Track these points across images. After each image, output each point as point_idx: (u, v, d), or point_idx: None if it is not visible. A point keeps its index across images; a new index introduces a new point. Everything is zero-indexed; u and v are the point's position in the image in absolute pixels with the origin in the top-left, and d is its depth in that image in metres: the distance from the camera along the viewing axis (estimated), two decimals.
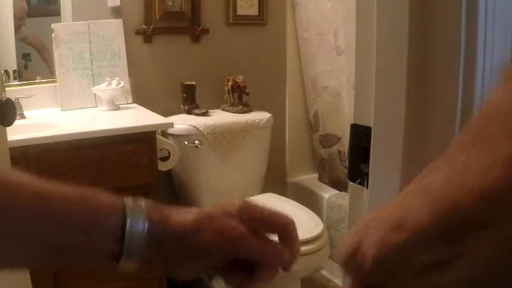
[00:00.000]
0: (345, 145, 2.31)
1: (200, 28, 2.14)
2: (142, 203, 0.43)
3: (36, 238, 0.39)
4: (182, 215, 0.43)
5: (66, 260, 0.44)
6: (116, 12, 1.99)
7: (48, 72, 1.96)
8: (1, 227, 0.38)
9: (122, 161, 1.58)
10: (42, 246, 0.40)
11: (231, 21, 2.22)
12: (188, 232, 0.42)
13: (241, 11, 2.23)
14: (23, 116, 1.76)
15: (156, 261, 0.42)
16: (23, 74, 1.94)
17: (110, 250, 0.40)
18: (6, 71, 1.86)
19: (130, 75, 2.02)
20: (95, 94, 1.92)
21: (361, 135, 0.50)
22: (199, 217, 0.43)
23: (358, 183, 0.53)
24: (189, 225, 0.42)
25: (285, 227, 0.45)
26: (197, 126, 1.93)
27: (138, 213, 0.41)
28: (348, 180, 0.54)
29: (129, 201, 0.42)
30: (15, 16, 1.89)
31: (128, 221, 0.40)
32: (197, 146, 1.94)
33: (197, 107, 2.08)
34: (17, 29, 1.91)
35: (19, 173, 0.41)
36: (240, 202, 0.45)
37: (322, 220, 1.84)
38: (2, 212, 0.38)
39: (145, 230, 0.40)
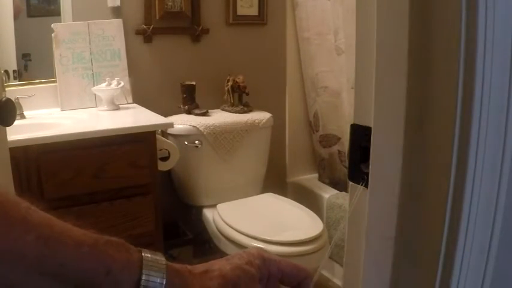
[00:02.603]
0: (345, 145, 2.31)
1: (200, 28, 2.14)
2: (163, 259, 0.39)
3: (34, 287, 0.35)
4: (205, 283, 0.40)
5: None
6: (116, 12, 1.99)
7: (49, 71, 1.96)
8: None
9: (121, 161, 1.58)
10: None
11: (231, 21, 2.22)
12: None
13: (241, 11, 2.23)
14: (23, 116, 1.76)
15: None
16: (23, 74, 1.94)
17: None
18: (6, 71, 1.86)
19: (130, 75, 2.02)
20: (95, 94, 1.92)
21: (361, 135, 0.50)
22: (223, 286, 0.40)
23: (358, 183, 0.53)
24: None
25: (301, 282, 0.45)
26: (197, 126, 1.93)
27: (157, 272, 0.38)
28: (348, 180, 0.54)
29: (147, 254, 0.39)
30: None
31: (143, 277, 0.37)
32: (197, 146, 1.94)
33: (197, 107, 2.08)
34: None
35: (26, 206, 0.36)
36: (259, 259, 0.43)
37: (322, 220, 1.84)
38: None
39: None
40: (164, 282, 0.38)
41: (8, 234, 0.34)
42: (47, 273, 0.35)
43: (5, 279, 0.34)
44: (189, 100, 2.07)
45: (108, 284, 0.36)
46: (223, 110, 2.14)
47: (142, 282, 0.37)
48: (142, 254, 0.39)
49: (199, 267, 0.42)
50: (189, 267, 0.41)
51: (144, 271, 0.38)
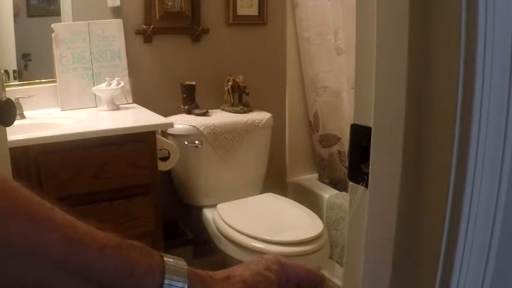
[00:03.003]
0: (345, 145, 2.31)
1: (200, 28, 2.14)
2: (184, 264, 0.40)
3: (57, 286, 0.35)
4: None
5: None
6: (116, 12, 1.99)
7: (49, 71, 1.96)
8: (18, 272, 0.34)
9: (121, 161, 1.58)
10: None
11: (231, 21, 2.22)
12: None
13: (241, 11, 2.23)
14: (23, 116, 1.76)
15: None
16: (23, 74, 1.94)
17: None
18: (6, 71, 1.86)
19: (130, 75, 2.02)
20: (95, 94, 1.92)
21: (361, 135, 0.50)
22: None
23: (358, 183, 0.53)
24: None
25: (316, 286, 0.45)
26: (197, 126, 1.93)
27: (179, 276, 0.38)
28: (348, 180, 0.54)
29: (169, 259, 0.40)
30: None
31: (166, 281, 0.38)
32: (197, 146, 1.94)
33: (197, 107, 2.08)
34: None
35: (51, 207, 0.37)
36: (277, 265, 0.43)
37: (322, 220, 1.84)
38: (23, 254, 0.34)
39: None
40: (186, 287, 0.38)
41: (34, 233, 0.34)
42: (72, 273, 0.36)
43: (32, 277, 0.35)
44: (189, 100, 2.07)
45: (132, 285, 0.37)
46: (223, 110, 2.14)
47: (165, 287, 0.38)
48: (165, 259, 0.39)
49: (220, 273, 0.42)
50: (210, 272, 0.42)
51: (166, 275, 0.38)
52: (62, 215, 0.37)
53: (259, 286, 0.41)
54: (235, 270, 0.43)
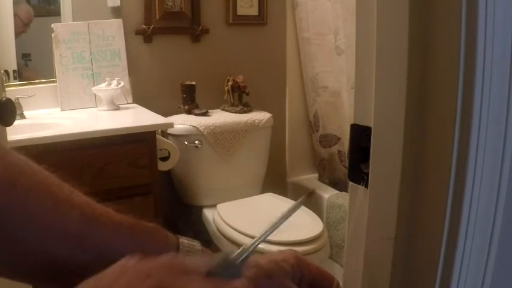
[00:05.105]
0: (345, 145, 2.31)
1: (200, 28, 2.14)
2: (199, 245, 0.41)
3: (72, 264, 0.37)
4: None
5: None
6: (116, 12, 1.99)
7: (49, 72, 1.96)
8: (37, 247, 0.35)
9: (121, 161, 1.58)
10: (76, 273, 0.36)
11: (231, 21, 2.22)
12: None
13: (241, 11, 2.23)
14: (23, 116, 1.76)
15: None
16: (23, 74, 1.94)
17: None
18: (6, 71, 1.86)
19: (130, 75, 2.02)
20: (95, 94, 1.92)
21: (361, 135, 0.50)
22: (257, 275, 0.40)
23: (358, 183, 0.53)
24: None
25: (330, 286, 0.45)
26: (197, 126, 1.93)
27: (193, 255, 0.39)
28: (348, 180, 0.54)
29: (184, 240, 0.41)
30: (22, 21, 1.89)
31: None
32: (197, 146, 1.94)
33: (197, 107, 2.08)
34: (18, 34, 1.90)
35: (70, 189, 0.38)
36: (293, 259, 0.43)
37: (322, 220, 1.84)
38: (43, 230, 0.35)
39: None
40: None
41: (54, 211, 0.36)
42: (88, 250, 0.37)
43: (50, 254, 0.36)
44: (189, 100, 2.07)
45: None
46: (223, 110, 2.14)
47: None
48: (180, 240, 0.41)
49: None
50: None
51: (181, 252, 0.39)
52: (80, 196, 0.39)
53: (273, 273, 0.41)
54: (252, 256, 0.43)
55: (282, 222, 0.42)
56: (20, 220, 0.35)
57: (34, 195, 0.36)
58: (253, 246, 0.40)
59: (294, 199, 2.04)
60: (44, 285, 0.39)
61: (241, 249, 0.40)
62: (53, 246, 0.36)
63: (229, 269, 0.37)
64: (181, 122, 1.95)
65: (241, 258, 0.38)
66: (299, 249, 1.62)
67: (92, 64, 1.96)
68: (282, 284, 0.39)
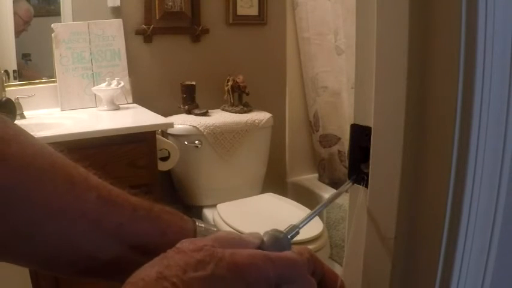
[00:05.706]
0: (345, 145, 2.31)
1: (200, 28, 2.14)
2: (215, 228, 0.41)
3: (92, 246, 0.36)
4: None
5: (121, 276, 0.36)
6: (116, 12, 1.99)
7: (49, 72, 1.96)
8: (54, 231, 0.35)
9: (121, 161, 1.58)
10: (95, 257, 0.36)
11: (231, 21, 2.22)
12: None
13: (241, 11, 2.23)
14: (23, 116, 1.76)
15: None
16: (23, 74, 1.94)
17: None
18: (6, 71, 1.86)
19: (130, 75, 2.02)
20: (95, 94, 1.92)
21: (361, 135, 0.50)
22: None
23: (358, 183, 0.53)
24: None
25: (336, 285, 0.45)
26: (197, 126, 1.93)
27: None
28: (347, 180, 0.54)
29: (201, 224, 0.41)
30: (22, 19, 1.89)
31: None
32: (197, 146, 1.94)
33: (197, 107, 2.08)
34: (18, 33, 1.91)
35: (86, 171, 0.38)
36: (308, 254, 0.43)
37: (322, 220, 1.84)
38: (59, 214, 0.35)
39: None
40: None
41: (71, 192, 0.35)
42: (105, 233, 0.36)
43: (66, 236, 0.35)
44: (189, 100, 2.07)
45: (165, 245, 0.36)
46: (223, 110, 2.14)
47: None
48: (197, 223, 0.41)
49: None
50: None
51: (198, 236, 0.39)
52: (96, 178, 0.38)
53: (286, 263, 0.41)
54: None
55: (329, 203, 0.45)
56: (34, 203, 0.34)
57: (50, 176, 0.35)
58: (302, 224, 0.41)
59: (294, 199, 2.05)
60: (72, 276, 0.39)
61: (289, 226, 0.42)
62: (69, 230, 0.35)
63: (279, 243, 0.40)
64: (181, 122, 1.95)
65: (290, 235, 0.41)
66: None
67: (92, 64, 1.96)
68: (303, 274, 0.39)
